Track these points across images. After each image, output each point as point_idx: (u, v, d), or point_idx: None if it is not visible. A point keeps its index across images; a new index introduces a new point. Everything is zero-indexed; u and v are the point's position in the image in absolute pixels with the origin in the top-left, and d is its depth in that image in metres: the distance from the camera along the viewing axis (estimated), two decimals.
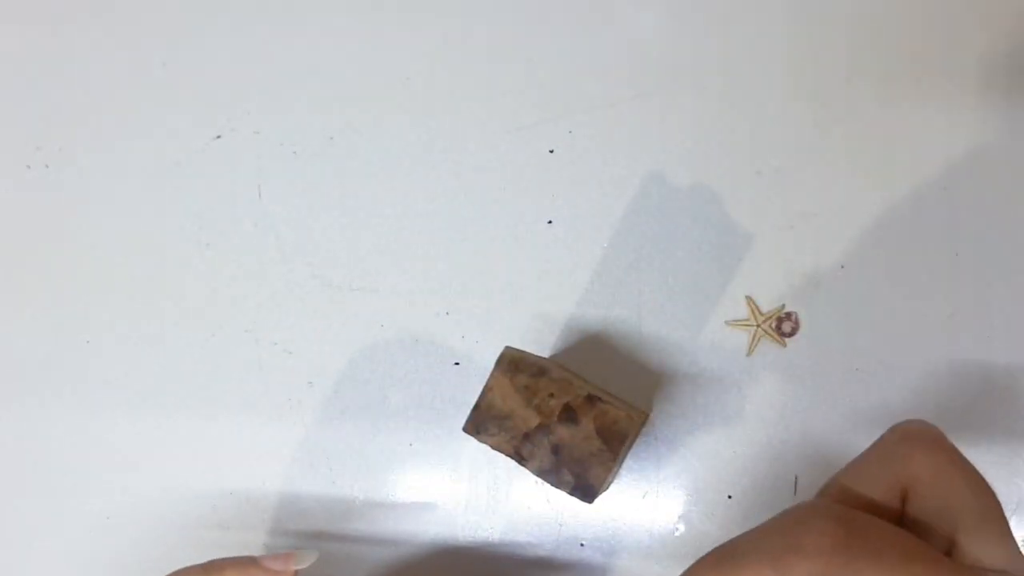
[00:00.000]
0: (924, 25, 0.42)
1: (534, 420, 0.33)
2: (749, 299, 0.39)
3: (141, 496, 0.43)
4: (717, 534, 0.40)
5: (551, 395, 0.33)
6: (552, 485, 0.33)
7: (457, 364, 0.42)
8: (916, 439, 0.30)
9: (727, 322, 0.39)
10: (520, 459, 0.33)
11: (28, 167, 0.46)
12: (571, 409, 0.33)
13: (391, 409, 0.42)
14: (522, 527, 0.41)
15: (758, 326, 0.38)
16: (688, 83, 0.43)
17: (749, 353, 0.38)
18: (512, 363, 0.33)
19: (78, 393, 0.44)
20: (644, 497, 0.41)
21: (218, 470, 0.43)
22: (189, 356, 0.44)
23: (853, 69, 0.42)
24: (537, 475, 0.33)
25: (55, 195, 0.45)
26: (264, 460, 0.43)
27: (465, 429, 0.34)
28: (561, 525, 0.41)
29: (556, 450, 0.33)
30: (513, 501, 0.41)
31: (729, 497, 0.40)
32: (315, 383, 0.43)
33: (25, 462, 0.44)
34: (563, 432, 0.33)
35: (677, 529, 0.40)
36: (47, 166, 0.46)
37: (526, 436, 0.33)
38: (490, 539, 0.41)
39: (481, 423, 0.33)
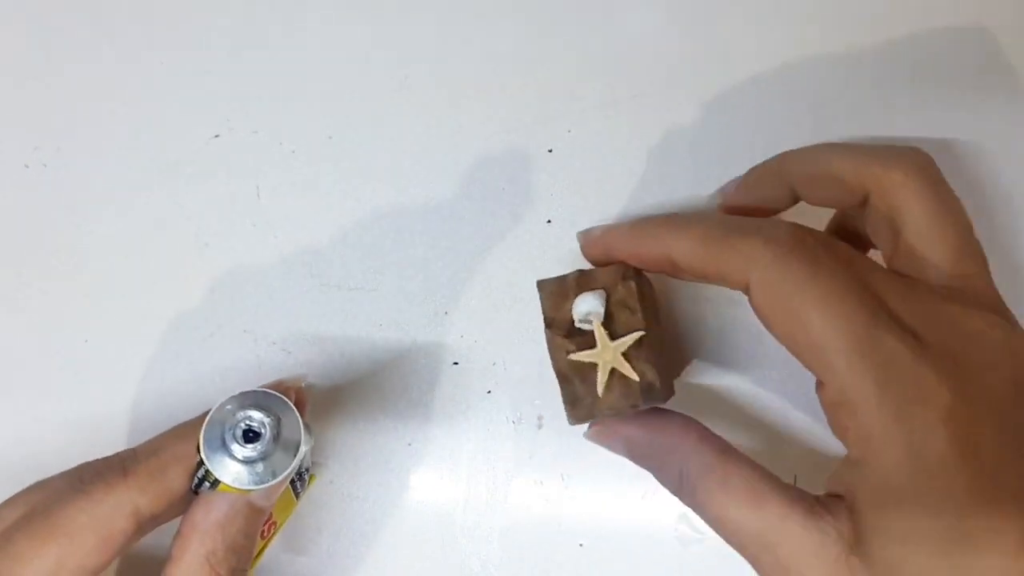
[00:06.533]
0: (923, 25, 0.42)
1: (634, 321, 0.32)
2: (598, 326, 0.32)
3: None
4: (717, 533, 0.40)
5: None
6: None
7: (456, 364, 0.42)
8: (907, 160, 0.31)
9: (571, 357, 0.32)
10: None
11: (26, 166, 0.45)
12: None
13: (391, 409, 0.42)
14: (522, 527, 0.41)
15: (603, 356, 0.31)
16: (688, 83, 0.43)
17: (601, 393, 0.30)
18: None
19: (76, 393, 0.44)
20: (644, 497, 0.41)
21: None
22: (187, 356, 0.43)
23: (852, 69, 0.42)
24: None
25: (53, 194, 0.45)
26: None
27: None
28: (561, 525, 0.41)
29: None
30: (512, 501, 0.41)
31: None
32: (314, 383, 0.43)
33: (23, 462, 0.44)
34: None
35: (677, 529, 0.40)
36: (45, 165, 0.45)
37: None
38: (489, 539, 0.41)
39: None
